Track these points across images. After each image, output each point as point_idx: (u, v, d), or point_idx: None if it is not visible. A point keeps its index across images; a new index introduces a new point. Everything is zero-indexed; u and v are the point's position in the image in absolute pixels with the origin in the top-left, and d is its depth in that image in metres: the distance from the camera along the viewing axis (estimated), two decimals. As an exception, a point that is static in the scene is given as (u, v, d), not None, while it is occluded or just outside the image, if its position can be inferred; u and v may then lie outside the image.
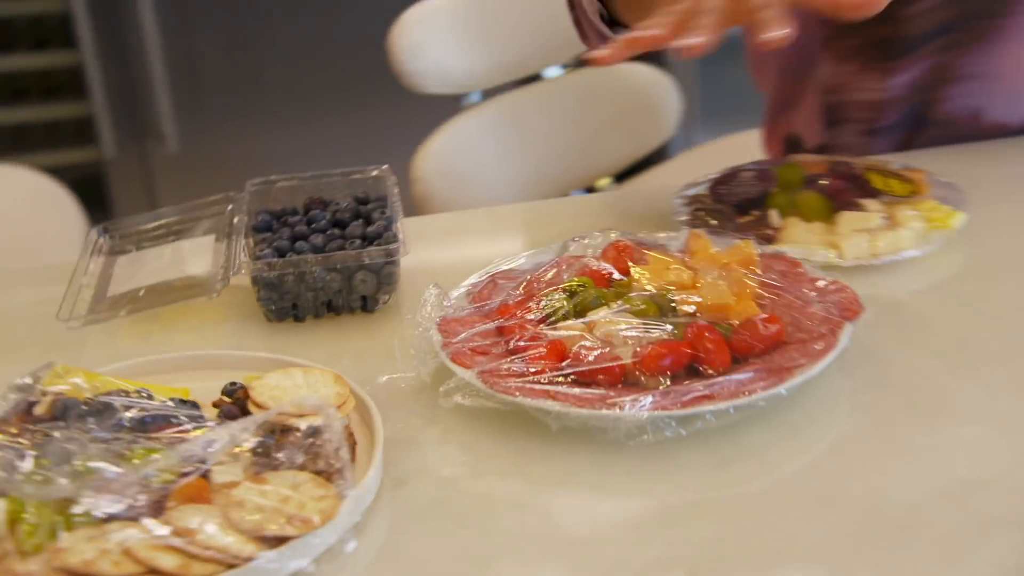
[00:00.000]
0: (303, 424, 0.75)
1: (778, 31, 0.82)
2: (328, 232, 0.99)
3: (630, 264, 0.91)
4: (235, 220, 1.03)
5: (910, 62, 1.30)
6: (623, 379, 0.79)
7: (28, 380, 0.78)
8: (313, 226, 1.00)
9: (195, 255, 1.01)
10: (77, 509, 0.67)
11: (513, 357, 0.81)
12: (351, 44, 2.54)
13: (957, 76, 1.31)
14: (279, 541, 0.67)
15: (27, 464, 0.70)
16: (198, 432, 0.74)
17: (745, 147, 1.92)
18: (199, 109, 2.52)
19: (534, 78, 1.68)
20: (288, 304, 0.96)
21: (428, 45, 1.49)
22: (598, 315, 0.85)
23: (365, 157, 1.21)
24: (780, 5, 0.84)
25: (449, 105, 2.36)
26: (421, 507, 0.73)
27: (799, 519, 0.70)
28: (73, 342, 0.96)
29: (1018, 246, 1.05)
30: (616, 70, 1.72)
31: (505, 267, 0.96)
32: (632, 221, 1.00)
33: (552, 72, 1.78)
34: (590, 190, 1.58)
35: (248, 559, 0.66)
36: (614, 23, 1.16)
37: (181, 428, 0.75)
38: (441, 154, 1.49)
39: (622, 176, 1.71)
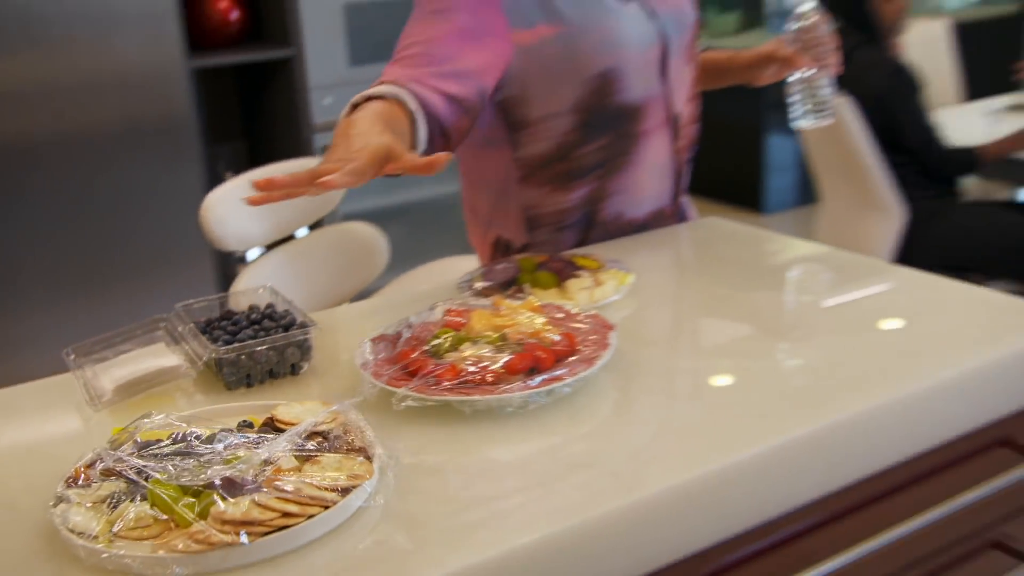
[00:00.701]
0: (324, 427, 0.96)
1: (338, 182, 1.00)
2: (251, 328, 1.17)
3: (469, 318, 1.18)
4: (179, 329, 1.18)
5: (581, 185, 1.52)
6: (497, 380, 1.06)
7: (131, 426, 0.92)
8: (238, 325, 1.18)
9: (158, 356, 1.15)
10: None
11: (428, 377, 1.05)
12: (91, 231, 2.58)
13: (608, 192, 1.55)
14: (347, 491, 0.87)
15: (170, 469, 0.86)
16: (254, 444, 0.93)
17: (439, 270, 2.21)
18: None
19: (291, 236, 1.89)
20: (243, 375, 1.13)
21: (228, 217, 1.67)
22: (466, 348, 1.11)
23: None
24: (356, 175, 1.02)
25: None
26: (408, 467, 0.95)
27: (624, 435, 1.01)
28: (92, 426, 1.08)
29: (657, 290, 1.41)
30: (344, 227, 1.97)
31: (380, 333, 1.18)
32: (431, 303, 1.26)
33: (302, 231, 1.98)
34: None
35: (335, 502, 0.85)
36: None
37: (243, 442, 0.92)
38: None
39: (355, 298, 1.92)
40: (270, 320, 1.19)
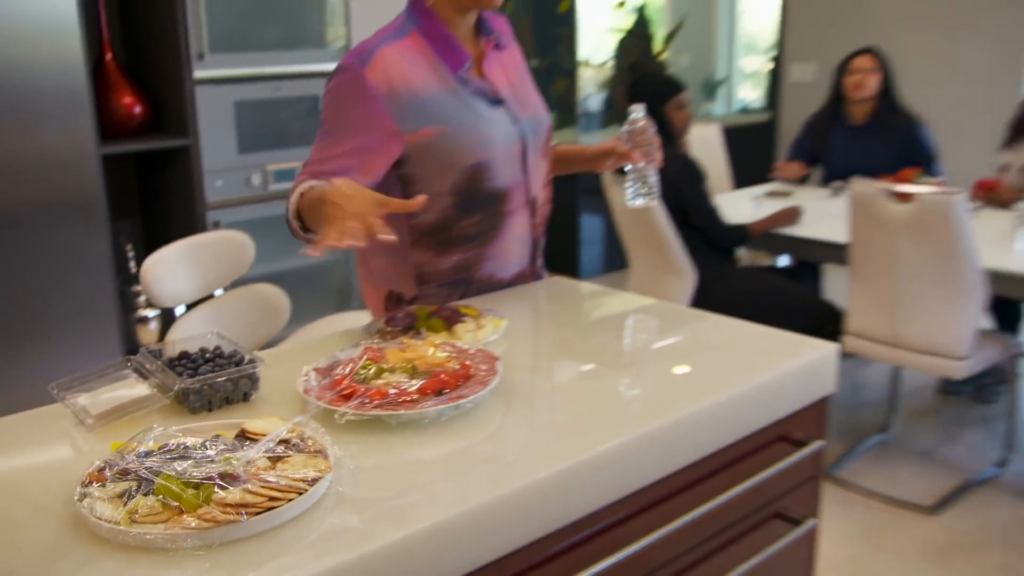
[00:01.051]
0: (289, 437, 1.07)
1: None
2: (208, 364, 1.27)
3: (385, 353, 1.31)
4: (147, 366, 1.26)
5: (460, 251, 1.65)
6: (415, 400, 1.19)
7: (135, 440, 1.01)
8: (196, 363, 1.27)
9: (133, 387, 1.22)
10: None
11: (362, 398, 1.18)
12: (11, 294, 2.52)
13: (483, 258, 1.68)
14: (314, 481, 0.99)
15: (177, 468, 0.95)
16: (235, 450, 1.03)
17: (326, 325, 2.29)
18: None
19: (211, 296, 1.96)
20: (206, 402, 1.21)
21: (163, 278, 1.74)
22: (386, 376, 1.24)
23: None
24: (361, 227, 1.22)
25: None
26: (358, 465, 1.06)
27: (513, 436, 1.16)
28: (81, 445, 1.14)
29: (524, 332, 1.56)
30: (254, 288, 2.05)
31: (315, 367, 1.30)
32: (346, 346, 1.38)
33: (219, 291, 2.04)
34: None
35: (306, 489, 0.97)
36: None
37: (229, 447, 1.03)
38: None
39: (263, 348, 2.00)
40: (222, 358, 1.29)
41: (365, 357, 1.29)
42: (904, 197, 2.71)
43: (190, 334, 1.56)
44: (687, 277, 3.12)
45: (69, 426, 1.18)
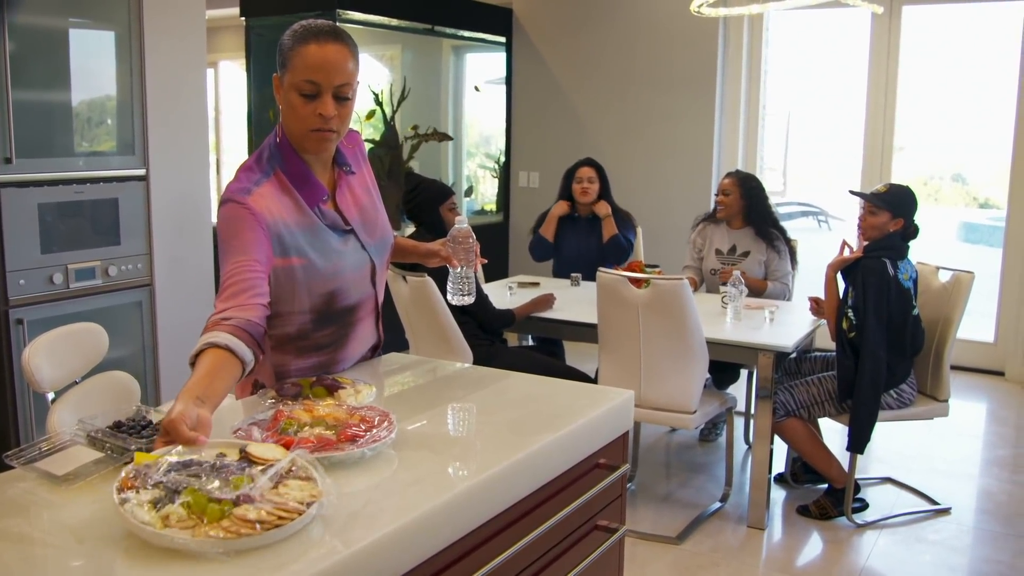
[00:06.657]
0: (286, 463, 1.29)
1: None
2: (148, 427, 1.45)
3: (293, 412, 1.55)
4: (94, 433, 1.42)
5: (315, 356, 1.87)
6: (339, 446, 1.46)
7: (160, 454, 1.20)
8: (134, 428, 1.44)
9: (83, 453, 1.38)
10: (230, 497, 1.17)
11: (297, 444, 1.43)
12: None
13: (336, 360, 1.90)
14: (311, 503, 1.21)
15: (208, 486, 1.16)
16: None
17: None
18: None
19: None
20: None
21: (43, 364, 1.83)
22: (306, 430, 1.49)
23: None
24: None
25: None
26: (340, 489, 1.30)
27: (423, 465, 1.46)
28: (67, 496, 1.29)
29: (390, 393, 1.87)
30: (107, 375, 2.15)
31: (237, 427, 1.51)
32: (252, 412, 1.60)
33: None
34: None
35: (305, 511, 1.19)
36: None
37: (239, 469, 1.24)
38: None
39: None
40: (151, 423, 1.48)
41: (285, 417, 1.53)
42: (638, 283, 3.29)
43: (72, 416, 1.70)
44: (465, 356, 3.51)
45: (30, 487, 1.32)
